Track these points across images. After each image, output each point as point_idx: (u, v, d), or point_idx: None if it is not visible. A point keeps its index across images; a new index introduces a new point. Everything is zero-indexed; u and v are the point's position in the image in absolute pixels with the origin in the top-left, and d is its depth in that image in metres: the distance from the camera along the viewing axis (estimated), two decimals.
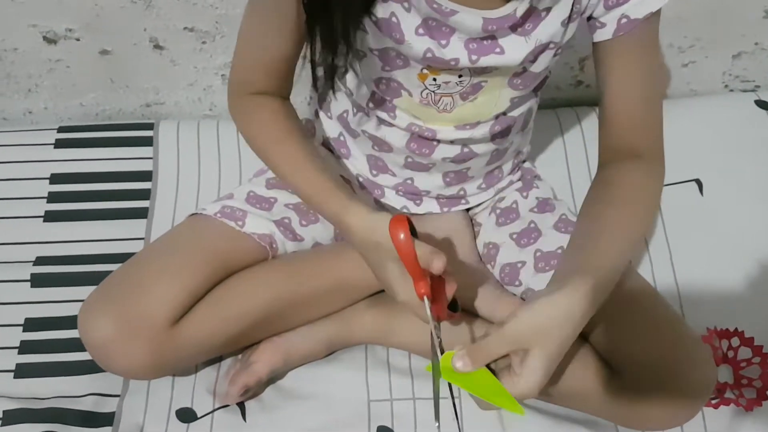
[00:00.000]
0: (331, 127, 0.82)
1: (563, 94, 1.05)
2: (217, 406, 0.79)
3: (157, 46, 0.96)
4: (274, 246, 0.78)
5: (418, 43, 0.66)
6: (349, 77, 0.73)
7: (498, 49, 0.66)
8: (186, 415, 0.79)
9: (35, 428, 0.76)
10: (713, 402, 0.79)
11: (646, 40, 0.67)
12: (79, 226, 0.91)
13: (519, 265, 0.80)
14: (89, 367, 0.81)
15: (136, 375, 0.74)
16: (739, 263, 0.88)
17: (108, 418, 0.79)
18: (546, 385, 0.72)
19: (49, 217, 0.92)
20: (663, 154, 0.73)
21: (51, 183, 0.94)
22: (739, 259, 0.89)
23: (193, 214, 0.80)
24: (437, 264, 0.62)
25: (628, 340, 0.72)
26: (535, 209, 0.83)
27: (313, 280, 0.78)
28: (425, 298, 0.63)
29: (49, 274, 0.87)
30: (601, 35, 0.67)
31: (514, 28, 0.65)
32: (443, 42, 0.66)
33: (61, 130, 0.99)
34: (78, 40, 0.95)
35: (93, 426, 0.78)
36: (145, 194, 0.94)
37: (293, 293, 0.77)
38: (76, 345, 0.79)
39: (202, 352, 0.76)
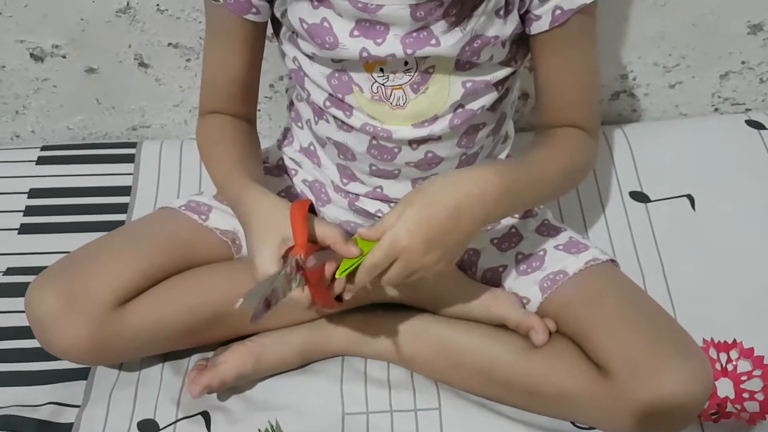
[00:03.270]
0: (303, 137, 0.81)
1: None
2: (180, 417, 0.75)
3: (142, 64, 0.97)
4: (237, 243, 0.76)
5: (352, 45, 0.67)
6: (306, 80, 0.74)
7: (434, 41, 0.66)
8: (148, 426, 0.74)
9: None
10: (713, 417, 0.74)
11: (581, 31, 0.68)
12: (54, 238, 0.90)
13: (500, 269, 0.77)
14: (52, 377, 0.78)
15: (74, 356, 0.71)
16: (734, 275, 0.85)
17: (66, 429, 0.74)
18: (534, 379, 0.71)
19: (24, 229, 0.91)
20: (598, 130, 0.77)
21: (29, 197, 0.94)
22: (733, 271, 0.85)
23: (160, 208, 0.78)
24: (330, 234, 0.63)
25: (615, 338, 0.69)
26: (517, 215, 0.80)
27: None
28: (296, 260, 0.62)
29: (17, 284, 0.84)
30: (538, 27, 0.67)
31: (445, 16, 0.65)
32: (378, 40, 0.67)
33: (44, 148, 1.00)
34: (64, 57, 0.96)
35: None
36: (122, 208, 0.93)
37: None
38: (40, 354, 0.76)
39: (146, 342, 0.72)
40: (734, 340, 0.79)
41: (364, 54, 0.67)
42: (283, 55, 0.75)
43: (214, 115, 0.76)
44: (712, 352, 0.79)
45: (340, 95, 0.72)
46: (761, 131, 0.98)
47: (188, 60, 0.97)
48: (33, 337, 0.79)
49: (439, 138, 0.73)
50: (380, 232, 0.63)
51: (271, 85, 1.00)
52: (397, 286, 0.74)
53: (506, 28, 0.67)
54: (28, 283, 0.84)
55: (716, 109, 1.06)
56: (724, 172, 0.95)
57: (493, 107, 0.74)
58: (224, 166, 0.72)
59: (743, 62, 1.00)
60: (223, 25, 0.71)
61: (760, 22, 0.97)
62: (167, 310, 0.71)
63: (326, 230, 0.64)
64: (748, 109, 1.05)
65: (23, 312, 0.82)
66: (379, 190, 0.79)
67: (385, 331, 0.77)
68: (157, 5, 0.92)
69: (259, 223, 0.65)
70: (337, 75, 0.70)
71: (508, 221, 0.80)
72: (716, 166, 0.95)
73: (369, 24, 0.66)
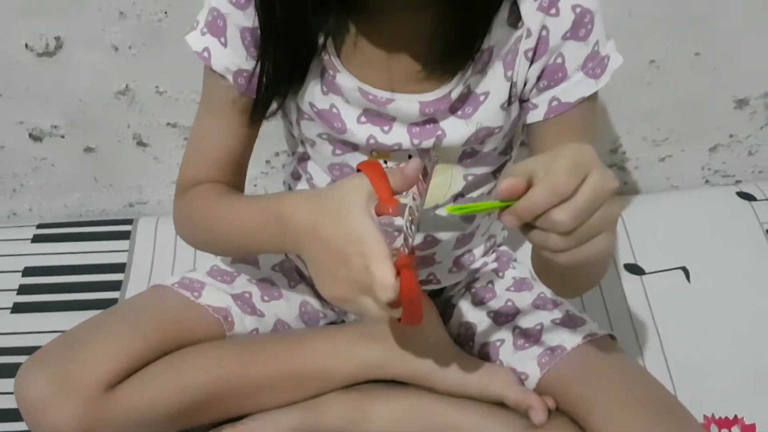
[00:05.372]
0: None
1: None
2: None
3: (141, 143, 0.99)
4: (229, 320, 0.75)
5: (360, 132, 0.67)
6: (310, 163, 0.74)
7: (440, 132, 0.67)
8: None
9: None
10: None
11: (578, 124, 0.67)
12: (46, 317, 0.89)
13: (498, 343, 0.77)
14: None
15: None
16: (732, 349, 0.84)
17: None
18: None
19: (17, 308, 0.91)
20: None
21: (23, 276, 0.94)
22: (731, 344, 0.85)
23: (153, 286, 0.78)
24: (412, 165, 0.56)
25: (615, 418, 0.67)
26: (512, 288, 0.80)
27: (270, 365, 0.74)
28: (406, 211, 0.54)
29: (9, 365, 0.83)
30: (533, 117, 0.67)
31: (453, 111, 0.66)
32: (386, 128, 0.67)
33: (40, 226, 1.01)
34: (63, 137, 0.98)
35: None
36: (116, 285, 0.93)
37: (245, 375, 0.73)
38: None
39: (137, 425, 0.70)
40: (735, 416, 0.77)
41: (372, 141, 0.68)
42: (290, 135, 0.76)
43: (199, 185, 0.72)
44: (714, 429, 0.77)
45: None
46: (752, 202, 0.99)
47: (185, 139, 0.98)
48: (22, 420, 0.78)
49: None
50: (527, 171, 0.50)
51: (268, 161, 1.02)
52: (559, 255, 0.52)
53: (509, 118, 0.68)
54: (19, 364, 0.83)
55: (707, 182, 1.07)
56: (717, 243, 0.95)
57: (490, 192, 0.75)
58: (238, 208, 0.67)
59: (731, 135, 1.02)
60: (224, 101, 0.70)
61: (745, 97, 0.99)
62: (158, 393, 0.70)
63: (399, 174, 0.57)
64: (738, 181, 1.07)
65: (13, 393, 0.81)
66: None
67: (380, 410, 0.75)
68: (156, 87, 0.94)
69: (325, 200, 0.58)
70: (337, 166, 0.71)
71: (502, 293, 0.80)
72: (709, 238, 0.96)
73: (377, 112, 0.67)
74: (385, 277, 0.53)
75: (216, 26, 0.67)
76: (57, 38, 0.90)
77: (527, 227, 0.52)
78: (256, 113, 0.68)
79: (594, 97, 0.66)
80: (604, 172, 0.50)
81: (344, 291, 0.57)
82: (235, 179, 0.74)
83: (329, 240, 0.57)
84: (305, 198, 0.61)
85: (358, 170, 0.60)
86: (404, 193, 0.57)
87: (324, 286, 0.59)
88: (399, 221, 0.55)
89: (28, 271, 0.94)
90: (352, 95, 0.66)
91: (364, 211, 0.56)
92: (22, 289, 0.92)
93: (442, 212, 0.55)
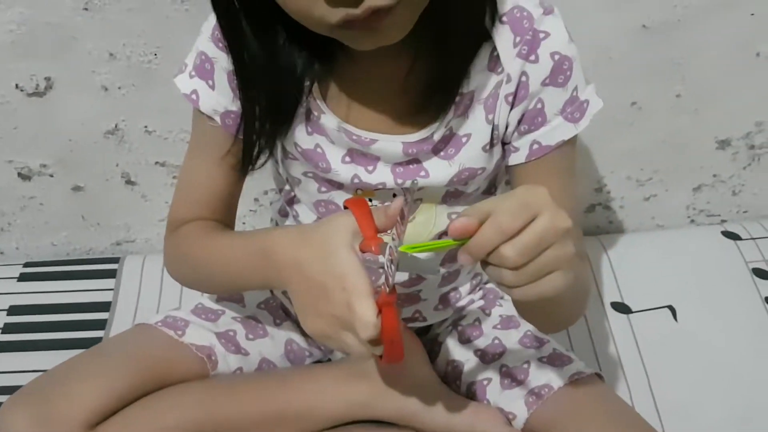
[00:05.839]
0: None
1: None
2: None
3: (129, 182, 0.99)
4: (213, 358, 0.75)
5: (344, 171, 0.68)
6: (296, 201, 0.75)
7: (423, 173, 0.68)
8: None
9: None
10: None
11: (558, 165, 0.68)
12: (31, 356, 0.89)
13: (485, 382, 0.76)
14: None
15: None
16: (720, 388, 0.84)
17: None
18: None
19: (1, 348, 0.90)
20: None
21: (8, 315, 0.93)
22: (720, 383, 0.84)
23: (137, 324, 0.78)
24: (395, 204, 0.56)
25: None
26: (499, 326, 0.80)
27: (253, 405, 0.73)
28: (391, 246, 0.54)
29: None
30: (515, 159, 0.68)
31: (435, 152, 0.67)
32: (370, 168, 0.68)
33: (27, 265, 1.00)
34: (52, 176, 0.98)
35: None
36: (101, 324, 0.92)
37: (227, 416, 0.72)
38: None
39: None
40: None
41: (356, 180, 0.68)
42: (278, 173, 0.77)
43: (189, 223, 0.72)
44: None
45: None
46: (737, 242, 1.00)
47: (174, 177, 0.99)
48: None
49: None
50: (481, 212, 0.52)
51: (256, 199, 1.02)
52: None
53: (492, 160, 0.69)
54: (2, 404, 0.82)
55: (692, 221, 1.08)
56: (703, 283, 0.95)
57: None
58: (226, 243, 0.68)
59: (714, 175, 1.04)
60: (213, 142, 0.71)
61: (727, 138, 1.01)
62: None
63: (383, 213, 0.57)
64: (723, 221, 1.08)
65: None
66: None
67: None
68: (145, 127, 0.95)
69: (311, 236, 0.58)
70: (323, 203, 0.72)
71: (489, 330, 0.80)
72: (695, 278, 0.96)
73: (360, 152, 0.68)
74: (366, 315, 0.54)
75: (204, 69, 0.68)
76: (47, 79, 0.92)
77: (485, 263, 0.54)
78: (245, 163, 0.69)
79: (574, 139, 0.68)
80: (555, 213, 0.53)
81: (326, 326, 0.57)
82: (224, 217, 0.75)
83: (313, 275, 0.57)
84: (292, 233, 0.62)
85: (346, 207, 0.60)
86: (389, 232, 0.58)
87: (307, 321, 0.59)
88: (382, 259, 0.56)
89: (13, 310, 0.94)
90: (337, 136, 0.67)
91: (348, 247, 0.57)
92: (7, 328, 0.92)
93: (420, 255, 0.57)
